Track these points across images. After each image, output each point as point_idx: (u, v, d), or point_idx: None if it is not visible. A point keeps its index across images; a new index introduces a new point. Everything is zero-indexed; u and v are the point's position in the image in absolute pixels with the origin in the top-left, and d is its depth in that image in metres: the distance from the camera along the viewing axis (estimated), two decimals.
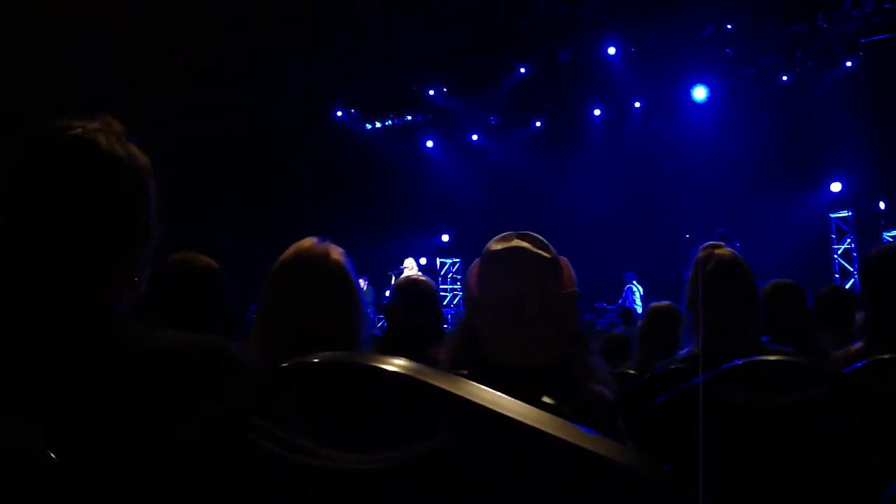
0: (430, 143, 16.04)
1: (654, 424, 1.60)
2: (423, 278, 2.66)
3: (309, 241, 1.60)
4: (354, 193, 14.54)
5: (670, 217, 12.46)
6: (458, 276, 15.05)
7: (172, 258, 2.07)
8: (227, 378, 1.02)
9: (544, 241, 1.55)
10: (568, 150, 14.48)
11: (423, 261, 14.15)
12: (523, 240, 1.53)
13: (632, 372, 2.91)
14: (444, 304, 14.48)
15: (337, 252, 1.60)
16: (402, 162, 15.33)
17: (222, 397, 0.85)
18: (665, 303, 3.33)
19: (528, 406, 0.66)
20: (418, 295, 2.56)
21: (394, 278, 12.21)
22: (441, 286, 14.53)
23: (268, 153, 13.01)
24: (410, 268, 12.20)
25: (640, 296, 12.22)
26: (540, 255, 1.50)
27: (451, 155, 15.80)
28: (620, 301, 12.23)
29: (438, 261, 15.21)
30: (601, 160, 14.15)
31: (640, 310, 11.69)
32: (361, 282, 14.36)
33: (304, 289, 1.51)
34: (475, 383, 0.67)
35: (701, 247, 2.03)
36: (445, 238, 15.63)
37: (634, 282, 12.38)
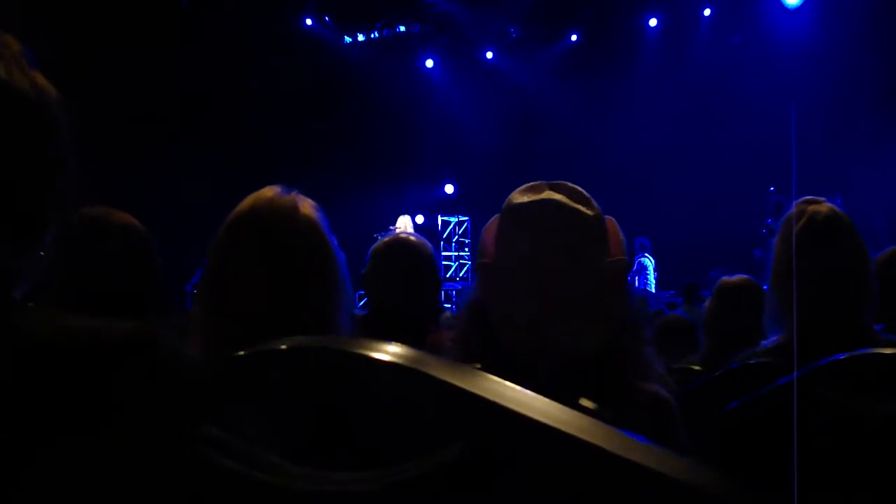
0: (429, 63, 15.95)
1: (727, 436, 1.61)
2: (416, 238, 2.63)
3: (271, 191, 1.60)
4: (330, 130, 14.49)
5: (749, 164, 12.40)
6: (467, 241, 15.08)
7: (79, 216, 2.05)
8: (160, 377, 1.02)
9: (585, 193, 1.55)
10: (613, 74, 14.38)
11: (419, 219, 14.14)
12: (557, 191, 1.53)
13: (697, 368, 2.94)
14: (447, 276, 14.53)
15: (308, 206, 1.60)
16: (393, 88, 15.24)
17: (154, 401, 0.85)
18: (740, 277, 3.35)
19: (565, 408, 0.66)
20: (411, 260, 2.54)
21: None
22: (443, 253, 14.57)
23: (215, 74, 12.91)
24: (404, 228, 12.22)
25: (654, 269, 12.26)
26: (579, 211, 1.50)
27: (457, 79, 15.72)
28: (630, 279, 12.20)
29: (440, 219, 15.22)
30: (657, 87, 14.06)
31: (653, 290, 11.78)
32: None
33: (265, 253, 1.51)
34: (496, 378, 0.67)
35: (794, 203, 2.02)
36: (449, 189, 15.63)
37: (647, 253, 12.38)
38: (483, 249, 1.60)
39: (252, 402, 0.77)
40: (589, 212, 1.52)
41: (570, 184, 1.57)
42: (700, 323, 3.57)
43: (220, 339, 1.45)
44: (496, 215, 1.60)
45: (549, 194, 1.53)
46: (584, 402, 1.38)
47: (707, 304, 3.44)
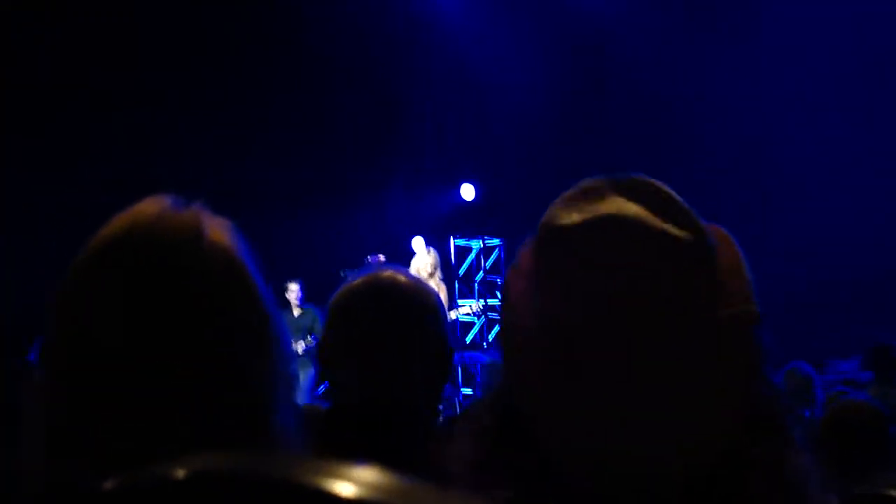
0: None
1: None
2: (406, 279, 2.61)
3: (156, 205, 1.60)
4: (267, 101, 14.64)
5: None
6: (499, 279, 15.14)
7: None
8: None
9: (676, 198, 1.51)
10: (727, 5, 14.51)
11: (418, 243, 14.21)
12: (628, 196, 1.50)
13: None
14: (467, 342, 14.60)
15: (219, 228, 1.61)
16: (373, 25, 15.36)
17: None
18: None
19: None
20: (395, 316, 2.53)
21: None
22: (459, 301, 14.65)
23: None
24: (418, 269, 12.29)
25: None
26: (667, 232, 1.47)
27: (477, 13, 15.81)
28: None
29: (453, 244, 15.36)
30: (799, 30, 14.14)
31: None
32: (291, 289, 14.81)
33: (143, 306, 1.51)
34: None
35: None
36: (468, 194, 15.67)
37: None
38: (509, 306, 1.58)
39: None
40: (684, 233, 1.48)
41: (648, 180, 1.54)
42: None
43: (67, 459, 1.45)
44: (528, 242, 1.59)
45: (614, 205, 1.50)
46: None
47: None
